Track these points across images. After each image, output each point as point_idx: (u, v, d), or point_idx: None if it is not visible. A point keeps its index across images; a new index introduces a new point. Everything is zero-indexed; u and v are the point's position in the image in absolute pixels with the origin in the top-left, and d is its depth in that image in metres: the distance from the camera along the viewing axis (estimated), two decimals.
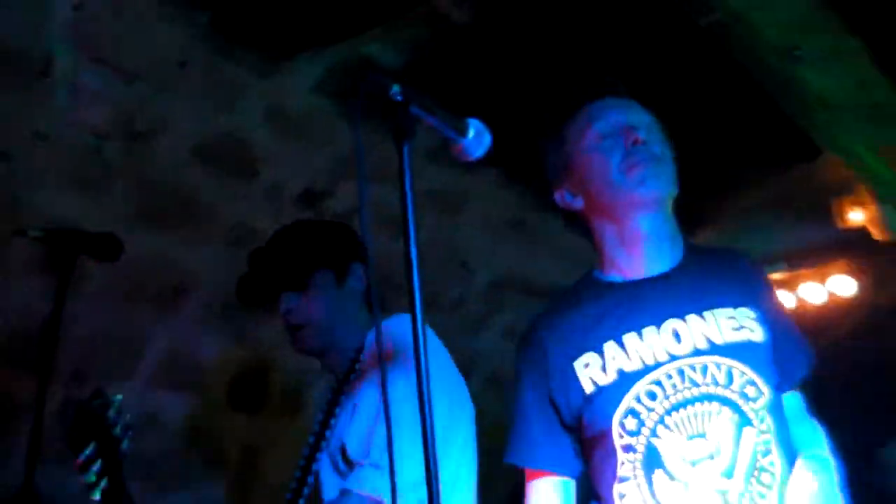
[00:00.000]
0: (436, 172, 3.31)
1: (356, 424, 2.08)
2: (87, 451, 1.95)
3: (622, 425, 1.76)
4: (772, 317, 1.83)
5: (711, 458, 1.72)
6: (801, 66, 3.59)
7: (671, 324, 1.79)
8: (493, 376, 4.19)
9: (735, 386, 1.75)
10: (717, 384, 1.75)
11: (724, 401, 1.74)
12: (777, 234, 4.57)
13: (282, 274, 2.23)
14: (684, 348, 1.76)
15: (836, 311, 4.83)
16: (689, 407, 1.75)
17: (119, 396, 2.01)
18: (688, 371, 1.76)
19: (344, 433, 2.13)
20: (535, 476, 1.86)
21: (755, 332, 1.79)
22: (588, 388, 1.78)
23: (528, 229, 3.83)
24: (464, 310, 4.10)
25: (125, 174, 2.79)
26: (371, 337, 2.22)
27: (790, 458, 1.76)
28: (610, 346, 1.79)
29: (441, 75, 2.89)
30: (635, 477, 1.76)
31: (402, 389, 1.79)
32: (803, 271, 4.87)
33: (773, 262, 4.81)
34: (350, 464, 2.08)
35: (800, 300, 4.92)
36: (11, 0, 2.34)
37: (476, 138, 1.51)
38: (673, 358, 1.76)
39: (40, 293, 2.64)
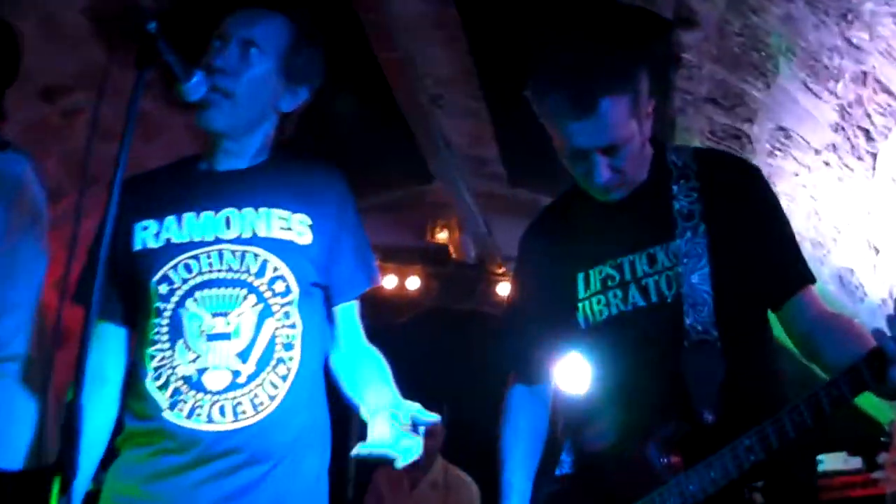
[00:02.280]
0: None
1: None
2: None
3: (156, 289, 1.75)
4: (330, 229, 1.84)
5: (229, 338, 1.72)
6: (440, 111, 4.41)
7: (227, 212, 1.80)
8: None
9: (265, 278, 1.76)
10: (248, 272, 1.75)
11: (252, 289, 1.74)
12: (378, 230, 5.36)
13: None
14: (230, 234, 1.78)
15: (405, 300, 5.46)
16: (220, 288, 1.75)
17: None
18: (227, 255, 1.76)
19: None
20: (101, 321, 1.77)
21: (303, 236, 1.80)
22: (137, 247, 1.79)
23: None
24: None
25: None
26: None
27: (318, 355, 1.81)
28: (170, 219, 1.80)
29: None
30: (163, 342, 1.74)
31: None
32: (389, 265, 5.35)
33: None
34: None
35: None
36: None
37: (195, 86, 1.65)
38: (218, 241, 1.77)
39: None
